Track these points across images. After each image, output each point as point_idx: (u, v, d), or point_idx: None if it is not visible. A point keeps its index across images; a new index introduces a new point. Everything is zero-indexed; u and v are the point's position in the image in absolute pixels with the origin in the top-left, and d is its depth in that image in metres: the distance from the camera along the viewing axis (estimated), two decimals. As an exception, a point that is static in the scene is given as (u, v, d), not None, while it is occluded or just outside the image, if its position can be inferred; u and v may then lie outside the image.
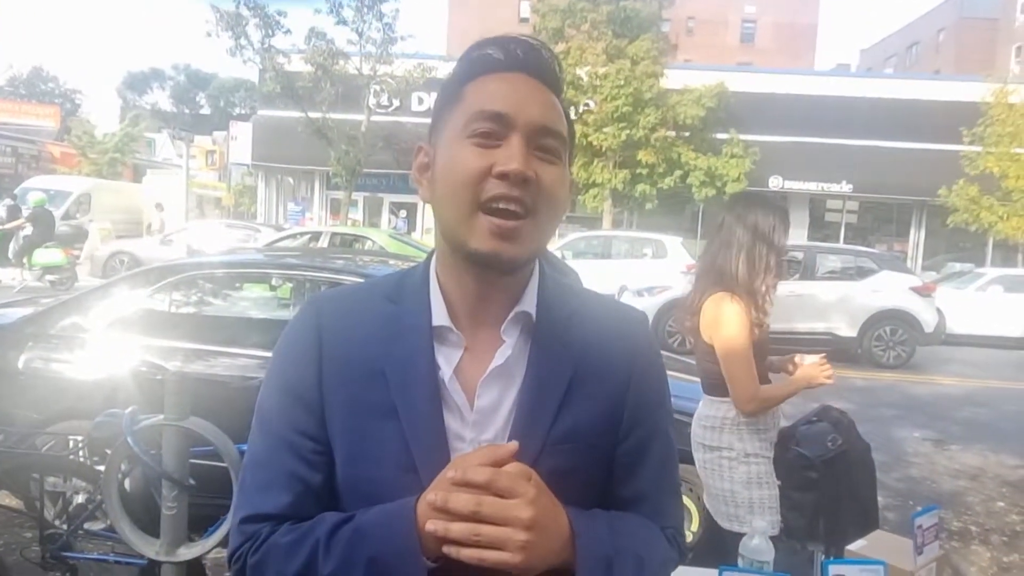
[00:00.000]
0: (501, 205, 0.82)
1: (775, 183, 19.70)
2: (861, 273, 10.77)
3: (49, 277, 11.80)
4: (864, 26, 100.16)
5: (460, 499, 0.75)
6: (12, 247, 12.70)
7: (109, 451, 2.59)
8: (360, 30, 17.15)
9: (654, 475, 0.95)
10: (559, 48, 17.83)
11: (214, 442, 2.50)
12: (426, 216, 18.82)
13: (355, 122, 17.84)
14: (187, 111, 56.15)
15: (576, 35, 17.78)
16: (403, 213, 21.24)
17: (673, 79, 18.01)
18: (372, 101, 19.16)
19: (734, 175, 17.42)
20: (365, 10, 16.92)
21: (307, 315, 0.93)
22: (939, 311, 11.13)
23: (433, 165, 0.89)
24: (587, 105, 17.94)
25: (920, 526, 1.60)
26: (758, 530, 1.60)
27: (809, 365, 2.56)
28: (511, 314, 0.89)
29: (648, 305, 10.47)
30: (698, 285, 2.55)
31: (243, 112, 41.79)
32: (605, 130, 17.01)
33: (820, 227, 21.44)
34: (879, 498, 2.82)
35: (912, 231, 21.42)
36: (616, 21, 17.52)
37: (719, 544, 2.48)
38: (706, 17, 40.19)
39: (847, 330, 10.32)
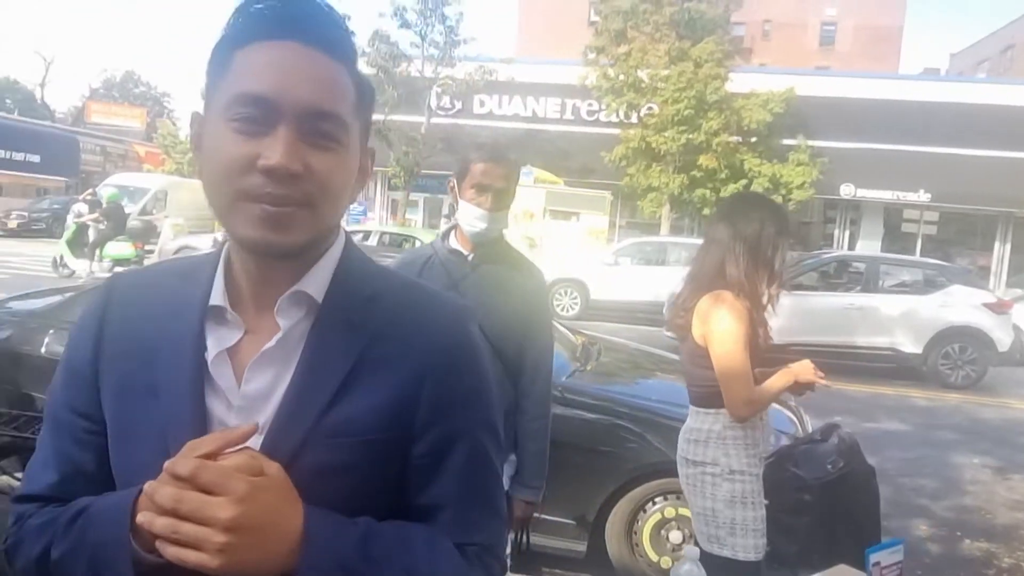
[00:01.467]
0: (266, 202, 0.74)
1: (847, 191, 18.91)
2: (929, 287, 10.14)
3: (118, 269, 12.35)
4: (955, 29, 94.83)
5: (164, 492, 0.69)
6: (89, 239, 13.44)
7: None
8: (423, 33, 17.35)
9: (455, 483, 0.84)
10: (621, 50, 17.59)
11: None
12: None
13: (416, 124, 18.04)
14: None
15: (639, 36, 17.49)
16: (462, 215, 21.33)
17: (742, 83, 17.49)
18: (434, 103, 19.37)
19: (799, 182, 16.77)
20: (428, 14, 17.10)
21: (99, 292, 0.90)
22: (1017, 330, 10.38)
23: (202, 138, 0.81)
24: (651, 108, 17.63)
25: (877, 563, 1.41)
26: (691, 556, 1.45)
27: (804, 363, 2.34)
28: (286, 294, 0.81)
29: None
30: (692, 284, 2.38)
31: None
32: (665, 134, 16.66)
33: (896, 238, 20.44)
34: (923, 529, 2.57)
35: (997, 244, 20.17)
36: (680, 23, 17.14)
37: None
38: (784, 20, 39.05)
39: (912, 346, 9.73)
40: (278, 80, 0.74)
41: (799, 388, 2.37)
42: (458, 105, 20.26)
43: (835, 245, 20.29)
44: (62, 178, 30.37)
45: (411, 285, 0.92)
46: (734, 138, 17.20)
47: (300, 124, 0.74)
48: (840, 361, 9.94)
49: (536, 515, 3.57)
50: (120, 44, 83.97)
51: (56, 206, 23.69)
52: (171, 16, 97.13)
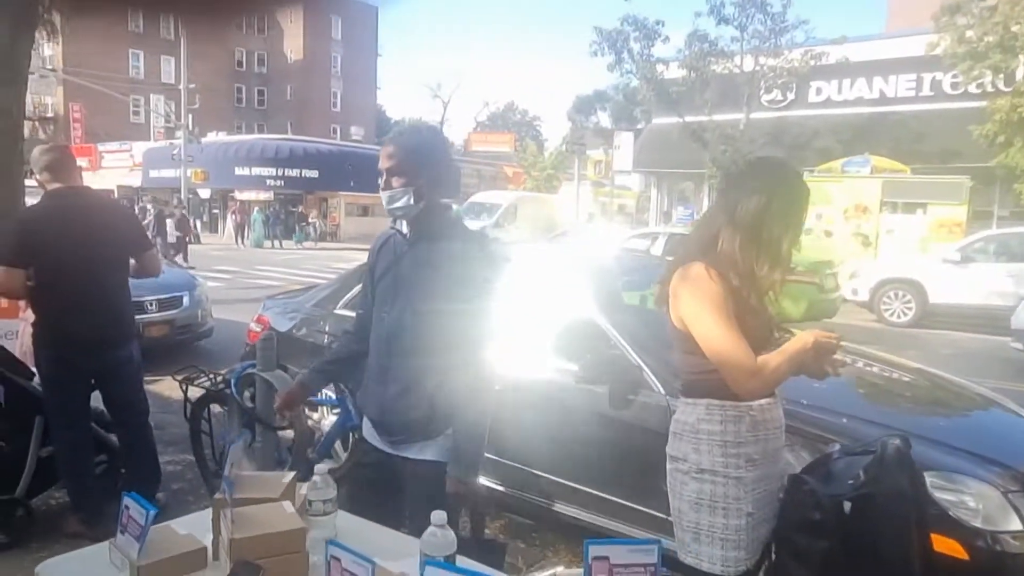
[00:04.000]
0: None
1: None
2: None
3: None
4: None
5: None
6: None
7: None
8: (742, 25, 16.60)
9: None
10: (987, 3, 14.58)
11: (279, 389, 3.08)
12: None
13: (737, 121, 17.33)
14: (624, 126, 60.76)
15: (1011, -17, 14.28)
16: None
17: None
18: (765, 97, 18.38)
19: None
20: (747, 4, 16.30)
21: None
22: None
23: None
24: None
25: (604, 558, 1.25)
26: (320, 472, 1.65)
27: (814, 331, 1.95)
28: None
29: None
30: (679, 253, 2.13)
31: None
32: (1048, 100, 13.31)
33: None
34: None
35: None
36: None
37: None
38: None
39: None
40: None
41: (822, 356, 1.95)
42: (790, 96, 18.89)
43: None
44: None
45: None
46: None
47: None
48: None
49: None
50: (503, 80, 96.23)
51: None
52: (545, 51, 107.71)
